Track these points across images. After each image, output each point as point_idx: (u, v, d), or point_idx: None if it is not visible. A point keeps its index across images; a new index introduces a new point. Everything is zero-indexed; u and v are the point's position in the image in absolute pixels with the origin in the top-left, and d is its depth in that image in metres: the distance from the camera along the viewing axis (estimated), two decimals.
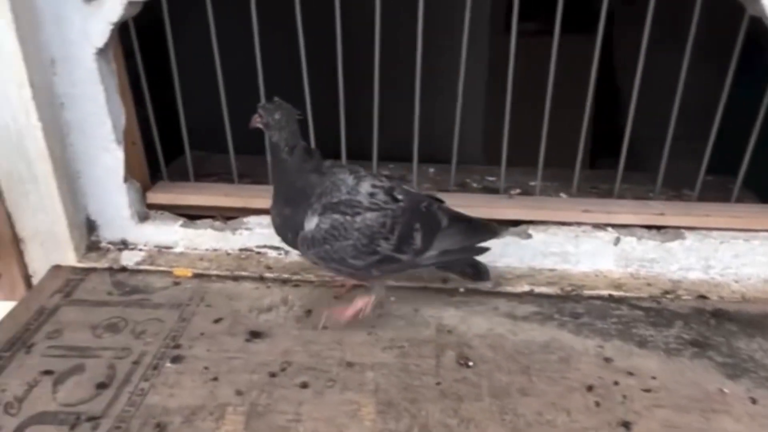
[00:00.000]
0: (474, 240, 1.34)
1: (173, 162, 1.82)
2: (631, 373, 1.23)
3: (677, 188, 1.74)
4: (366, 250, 1.21)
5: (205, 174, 1.92)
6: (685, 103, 1.54)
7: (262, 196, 1.60)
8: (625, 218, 1.51)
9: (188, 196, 1.63)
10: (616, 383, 1.21)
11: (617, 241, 1.49)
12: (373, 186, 1.24)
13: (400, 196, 1.25)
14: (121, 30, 1.45)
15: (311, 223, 1.20)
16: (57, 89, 1.42)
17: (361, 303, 1.31)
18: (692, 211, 1.51)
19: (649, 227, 1.52)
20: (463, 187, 1.86)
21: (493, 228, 1.36)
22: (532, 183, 1.88)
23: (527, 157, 1.71)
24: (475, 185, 1.91)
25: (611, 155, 1.79)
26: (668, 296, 1.45)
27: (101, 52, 1.39)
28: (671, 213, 1.51)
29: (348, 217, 1.19)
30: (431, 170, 2.00)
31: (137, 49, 1.56)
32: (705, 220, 1.49)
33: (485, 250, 1.35)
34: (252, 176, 1.89)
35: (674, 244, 1.48)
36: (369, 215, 1.21)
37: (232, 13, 1.55)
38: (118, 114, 1.48)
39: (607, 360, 1.27)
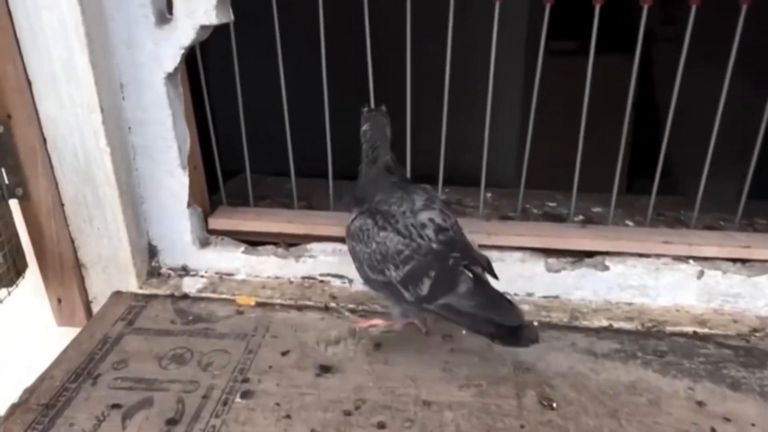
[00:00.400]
0: (491, 316, 1.18)
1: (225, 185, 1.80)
2: (727, 419, 1.15)
3: (748, 215, 1.66)
4: (377, 267, 1.22)
5: (258, 197, 1.89)
6: (730, 124, 1.47)
7: (325, 223, 1.57)
8: (708, 251, 1.43)
9: (250, 222, 1.60)
10: (713, 430, 1.13)
11: (701, 274, 1.42)
12: (431, 220, 1.20)
13: (442, 238, 1.18)
14: None
15: (351, 217, 1.27)
16: (125, 113, 1.40)
17: (377, 322, 1.35)
18: None
19: (733, 260, 1.44)
20: (523, 214, 1.80)
21: (524, 337, 1.19)
22: (595, 209, 1.82)
23: (566, 178, 1.64)
24: (536, 211, 1.84)
25: (650, 176, 1.69)
26: (757, 334, 1.37)
27: (170, 77, 1.37)
28: (758, 246, 1.43)
29: (376, 228, 1.20)
30: (489, 195, 1.94)
31: (202, 72, 1.54)
32: None
33: (512, 335, 1.19)
34: (305, 200, 1.86)
35: (762, 279, 1.40)
36: (392, 236, 1.19)
37: (282, 32, 1.53)
38: (183, 138, 1.45)
39: (700, 404, 1.19)
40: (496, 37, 1.47)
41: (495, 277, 1.25)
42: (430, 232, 1.19)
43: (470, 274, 1.18)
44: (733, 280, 1.41)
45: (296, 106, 1.60)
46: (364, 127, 1.21)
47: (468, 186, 1.90)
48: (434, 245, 1.18)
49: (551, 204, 1.89)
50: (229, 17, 1.35)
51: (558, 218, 1.78)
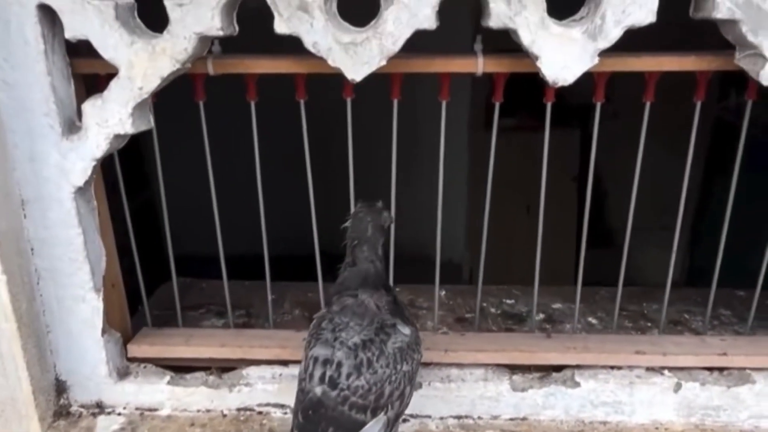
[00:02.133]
0: None
1: (159, 287, 1.61)
2: None
3: (713, 306, 1.56)
4: None
5: (191, 306, 1.71)
6: (662, 194, 1.41)
7: (263, 345, 1.40)
8: (684, 360, 1.32)
9: (176, 347, 1.40)
10: None
11: (678, 386, 1.30)
12: (327, 362, 1.02)
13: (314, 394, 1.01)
14: None
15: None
16: (27, 233, 1.22)
17: None
18: (759, 349, 1.33)
19: (710, 369, 1.33)
20: (481, 314, 1.67)
21: None
22: (555, 305, 1.72)
23: (514, 256, 1.53)
24: (493, 310, 1.73)
25: (596, 246, 1.64)
26: None
27: (80, 191, 1.21)
28: (734, 352, 1.33)
29: (312, 339, 1.07)
30: (442, 293, 1.82)
31: (121, 180, 1.38)
32: None
33: None
34: (244, 307, 1.69)
35: (743, 390, 1.29)
36: (317, 342, 1.05)
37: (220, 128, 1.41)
38: (97, 257, 1.28)
39: None
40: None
41: None
42: (316, 376, 1.01)
43: None
44: (712, 391, 1.30)
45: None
46: (345, 224, 1.08)
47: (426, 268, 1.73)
48: (308, 391, 1.01)
49: (509, 301, 1.78)
50: (148, 124, 1.21)
51: (518, 318, 1.67)
